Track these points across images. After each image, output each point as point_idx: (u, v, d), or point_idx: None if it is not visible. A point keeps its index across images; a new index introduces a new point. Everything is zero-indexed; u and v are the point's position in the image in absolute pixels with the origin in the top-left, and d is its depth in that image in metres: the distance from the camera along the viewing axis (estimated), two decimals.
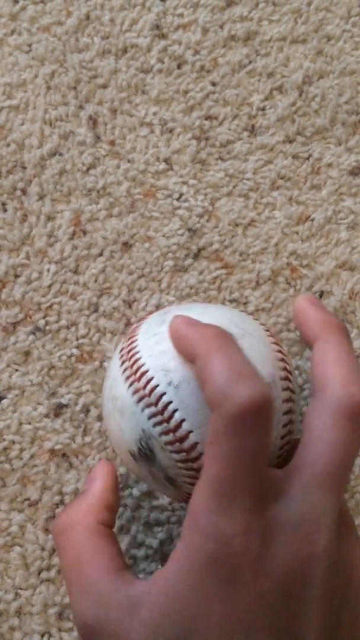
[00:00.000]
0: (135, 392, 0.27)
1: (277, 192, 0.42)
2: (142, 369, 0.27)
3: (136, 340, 0.29)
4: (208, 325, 0.26)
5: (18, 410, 0.38)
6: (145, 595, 0.25)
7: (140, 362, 0.27)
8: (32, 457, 0.37)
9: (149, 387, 0.27)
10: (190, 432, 0.26)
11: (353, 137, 0.43)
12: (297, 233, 0.42)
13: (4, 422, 0.38)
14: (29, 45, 0.43)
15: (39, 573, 0.36)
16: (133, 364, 0.28)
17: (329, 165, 0.43)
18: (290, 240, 0.41)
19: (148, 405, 0.27)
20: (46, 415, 0.38)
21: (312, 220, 0.42)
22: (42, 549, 0.36)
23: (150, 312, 0.32)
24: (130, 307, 0.40)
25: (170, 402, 0.26)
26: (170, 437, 0.26)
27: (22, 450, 0.37)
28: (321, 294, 0.41)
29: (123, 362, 0.28)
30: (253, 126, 0.43)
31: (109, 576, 0.26)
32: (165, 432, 0.26)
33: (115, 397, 0.28)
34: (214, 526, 0.23)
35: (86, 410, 0.38)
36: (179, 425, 0.26)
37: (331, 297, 0.40)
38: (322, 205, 0.42)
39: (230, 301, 0.40)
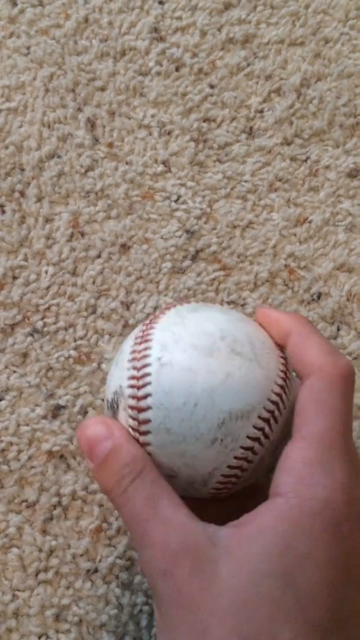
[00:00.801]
0: (132, 352, 0.29)
1: (275, 194, 0.42)
2: (149, 337, 0.29)
3: (163, 317, 0.30)
4: (294, 313, 0.33)
5: (16, 412, 0.38)
6: (234, 535, 0.25)
7: (151, 331, 0.29)
8: (29, 458, 0.37)
9: (142, 353, 0.28)
10: (150, 408, 0.27)
11: (351, 140, 0.43)
12: (295, 235, 0.42)
13: (2, 424, 0.38)
14: (28, 48, 0.43)
15: (37, 574, 0.36)
16: (147, 331, 0.29)
17: (327, 167, 0.43)
18: (288, 242, 0.41)
19: (133, 368, 0.28)
20: (44, 417, 0.38)
21: (310, 222, 0.42)
22: (40, 550, 0.36)
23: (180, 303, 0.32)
24: (128, 308, 0.40)
25: (149, 375, 0.27)
26: (133, 402, 0.28)
27: (20, 451, 0.37)
28: (319, 296, 0.41)
29: (143, 328, 0.30)
30: (251, 128, 0.43)
31: (189, 513, 0.26)
32: (132, 397, 0.28)
33: (121, 349, 0.30)
34: (327, 476, 0.25)
35: (84, 411, 0.38)
36: (145, 397, 0.27)
37: (329, 298, 0.40)
38: (320, 207, 0.42)
39: (228, 303, 0.40)
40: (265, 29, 0.45)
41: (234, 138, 0.43)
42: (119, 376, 0.29)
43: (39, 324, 0.39)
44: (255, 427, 0.27)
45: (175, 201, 0.42)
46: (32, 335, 0.39)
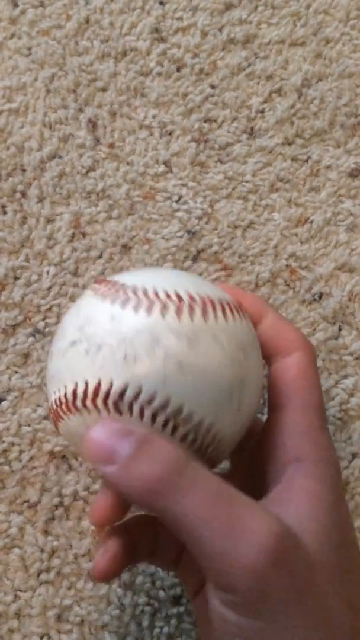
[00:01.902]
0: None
1: (276, 194, 0.42)
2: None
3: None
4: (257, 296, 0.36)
5: (17, 412, 0.38)
6: (293, 510, 0.25)
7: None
8: (31, 459, 0.37)
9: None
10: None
11: (352, 140, 0.43)
12: (296, 235, 0.42)
13: (4, 424, 0.38)
14: (29, 49, 0.43)
15: (38, 575, 0.36)
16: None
17: (328, 167, 0.43)
18: (290, 242, 0.41)
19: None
20: (45, 417, 0.38)
21: (311, 222, 0.42)
22: (42, 551, 0.36)
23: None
24: None
25: None
26: None
27: (21, 452, 0.37)
28: (320, 296, 0.41)
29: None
30: (252, 129, 0.43)
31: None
32: None
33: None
34: (329, 439, 0.28)
35: None
36: None
37: (330, 298, 0.40)
38: (321, 207, 0.42)
39: None
40: (266, 29, 0.45)
41: (235, 138, 0.43)
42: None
43: (41, 324, 0.39)
44: None
45: (177, 201, 0.42)
46: (33, 335, 0.39)
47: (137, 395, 0.25)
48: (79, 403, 0.26)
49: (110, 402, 0.25)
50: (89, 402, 0.25)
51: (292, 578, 0.22)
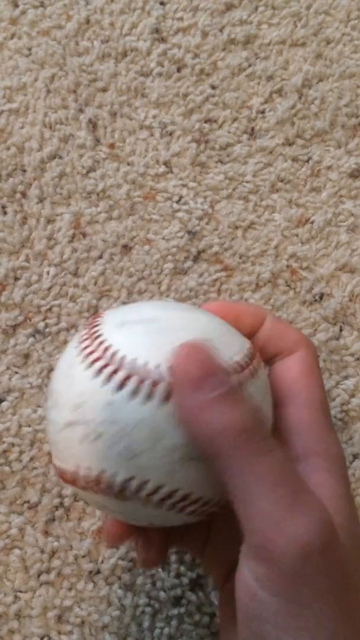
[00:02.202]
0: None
1: (277, 195, 0.42)
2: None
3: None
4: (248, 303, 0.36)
5: (18, 413, 0.38)
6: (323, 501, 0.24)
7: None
8: (31, 459, 0.37)
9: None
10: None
11: (353, 140, 0.43)
12: (297, 235, 0.42)
13: (4, 425, 0.38)
14: (29, 49, 0.43)
15: (39, 576, 0.36)
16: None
17: (329, 167, 0.43)
18: (290, 243, 0.41)
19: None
20: (45, 418, 0.38)
21: (312, 222, 0.42)
22: (42, 551, 0.36)
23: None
24: None
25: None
26: None
27: (21, 452, 0.37)
28: (321, 296, 0.41)
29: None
30: (253, 129, 0.43)
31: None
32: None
33: None
34: (334, 435, 0.28)
35: None
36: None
37: (331, 299, 0.40)
38: (321, 207, 0.42)
39: None
40: (267, 30, 0.45)
41: (235, 139, 0.43)
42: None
43: (41, 324, 0.39)
44: None
45: (177, 202, 0.42)
46: (33, 336, 0.39)
47: (142, 485, 0.24)
48: (82, 483, 0.25)
49: (115, 489, 0.24)
50: (92, 486, 0.25)
51: (335, 568, 0.22)
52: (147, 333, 0.25)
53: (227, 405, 0.22)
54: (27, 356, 0.39)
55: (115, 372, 0.24)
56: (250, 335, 0.30)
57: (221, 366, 0.24)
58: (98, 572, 0.36)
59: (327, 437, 0.27)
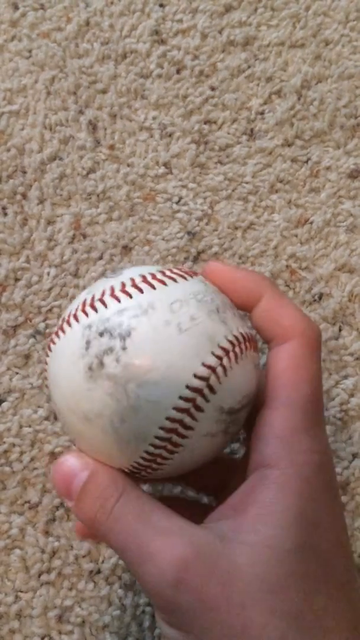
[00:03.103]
0: None
1: (276, 195, 0.42)
2: None
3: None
4: (252, 271, 0.31)
5: (18, 413, 0.38)
6: (240, 523, 0.25)
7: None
8: (32, 459, 0.37)
9: None
10: None
11: (351, 141, 0.43)
12: (296, 236, 0.42)
13: (4, 425, 0.38)
14: (29, 51, 0.43)
15: (39, 576, 0.36)
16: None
17: (328, 168, 0.43)
18: (290, 243, 0.42)
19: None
20: (46, 418, 0.38)
21: (311, 223, 0.42)
22: (43, 551, 0.36)
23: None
24: None
25: None
26: None
27: (22, 453, 0.37)
28: (320, 296, 0.41)
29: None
30: (252, 130, 0.43)
31: (184, 519, 0.25)
32: None
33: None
34: (315, 441, 0.26)
35: None
36: None
37: (330, 299, 0.41)
38: (321, 208, 0.42)
39: None
40: (266, 31, 0.45)
41: (234, 140, 0.43)
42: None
43: (41, 325, 0.39)
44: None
45: (177, 203, 0.42)
46: (34, 336, 0.39)
47: None
48: None
49: None
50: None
51: (197, 595, 0.23)
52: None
53: (81, 504, 0.26)
54: (27, 357, 0.39)
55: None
56: (245, 308, 0.28)
57: (75, 468, 0.27)
58: (99, 571, 0.36)
59: (298, 445, 0.25)
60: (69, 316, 0.27)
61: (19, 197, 0.41)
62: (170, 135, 0.43)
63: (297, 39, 0.45)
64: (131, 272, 0.27)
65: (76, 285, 0.40)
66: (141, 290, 0.25)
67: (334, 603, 0.24)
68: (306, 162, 0.43)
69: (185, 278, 0.27)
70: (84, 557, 0.36)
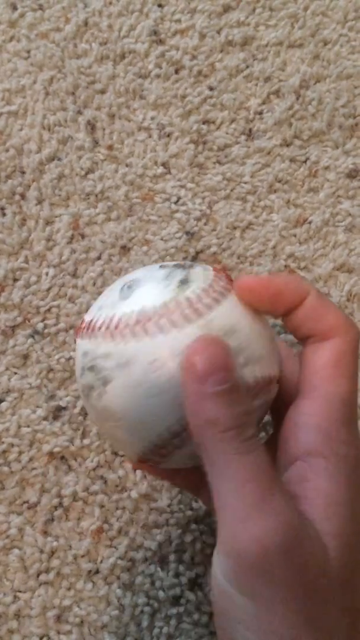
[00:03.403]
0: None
1: (275, 195, 0.42)
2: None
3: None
4: (295, 275, 0.31)
5: (17, 413, 0.38)
6: (308, 511, 0.24)
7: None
8: (30, 459, 0.37)
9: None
10: None
11: (350, 140, 0.43)
12: (294, 235, 0.42)
13: (3, 425, 0.38)
14: (28, 52, 0.44)
15: (38, 576, 0.36)
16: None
17: (326, 168, 0.43)
18: (288, 243, 0.42)
19: None
20: (45, 418, 0.38)
21: (310, 222, 0.42)
22: (41, 551, 0.36)
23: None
24: None
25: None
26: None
27: (20, 452, 0.37)
28: None
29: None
30: (250, 130, 0.43)
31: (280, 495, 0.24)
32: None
33: None
34: (354, 435, 0.26)
35: (85, 412, 0.38)
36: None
37: (329, 299, 0.40)
38: (319, 207, 0.42)
39: None
40: (264, 31, 0.45)
41: (233, 140, 0.43)
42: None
43: (40, 325, 0.39)
44: None
45: (175, 203, 0.42)
46: (32, 336, 0.39)
47: None
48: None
49: None
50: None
51: (298, 572, 0.22)
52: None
53: (223, 401, 0.23)
54: (26, 357, 0.39)
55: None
56: (288, 312, 0.28)
57: (228, 364, 0.24)
58: (97, 571, 0.36)
59: (338, 436, 0.26)
60: (85, 323, 0.27)
61: (17, 197, 0.41)
62: (168, 135, 0.43)
63: (296, 39, 0.45)
64: (146, 297, 0.26)
65: (75, 286, 0.40)
66: (134, 334, 0.25)
67: None
68: (305, 162, 0.43)
69: (210, 309, 0.26)
70: (83, 557, 0.36)
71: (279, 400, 0.28)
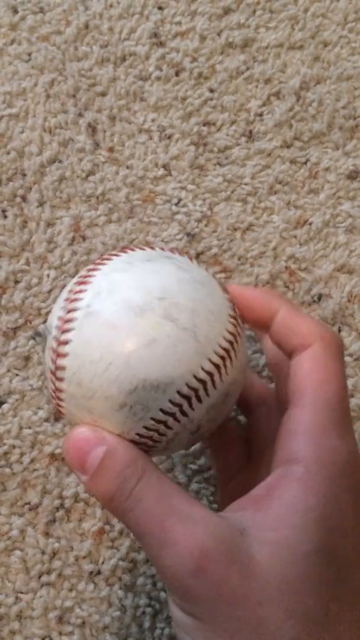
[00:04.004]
0: (69, 291, 0.27)
1: (275, 197, 0.42)
2: (89, 280, 0.27)
3: (114, 259, 0.28)
4: (265, 289, 0.31)
5: (18, 415, 0.38)
6: (260, 518, 0.24)
7: (94, 274, 0.27)
8: (32, 461, 0.38)
9: (76, 295, 0.26)
10: (67, 355, 0.26)
11: (350, 142, 0.43)
12: (295, 237, 0.42)
13: (5, 427, 0.38)
14: (29, 55, 0.44)
15: (40, 577, 0.36)
16: (91, 271, 0.27)
17: (327, 169, 0.43)
18: (289, 244, 0.42)
19: (64, 309, 0.27)
20: (46, 420, 0.38)
21: (310, 224, 0.42)
22: (43, 552, 0.36)
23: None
24: None
25: (74, 320, 0.26)
26: (55, 344, 0.26)
27: (22, 454, 0.38)
28: (319, 297, 0.41)
29: (90, 267, 0.28)
30: (251, 132, 0.43)
31: (202, 508, 0.25)
32: (55, 339, 0.26)
33: (68, 283, 0.29)
34: (342, 441, 0.25)
35: None
36: (65, 342, 0.26)
37: (330, 300, 0.41)
38: (320, 209, 0.42)
39: None
40: (265, 33, 0.45)
41: (233, 141, 0.43)
42: (53, 312, 0.27)
43: (41, 327, 0.39)
44: (171, 402, 0.25)
45: (176, 204, 0.42)
46: (34, 338, 0.39)
47: None
48: None
49: None
50: None
51: (216, 586, 0.23)
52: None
53: (97, 480, 0.25)
54: (27, 358, 0.39)
55: None
56: (259, 326, 0.29)
57: (93, 442, 0.26)
58: (99, 573, 0.36)
59: (325, 442, 0.25)
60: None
61: (18, 199, 0.41)
62: (169, 137, 0.43)
63: (296, 40, 0.45)
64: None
65: None
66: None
67: (349, 610, 0.24)
68: (305, 163, 0.43)
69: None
70: (84, 558, 0.36)
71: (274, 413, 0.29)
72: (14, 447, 0.38)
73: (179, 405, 0.25)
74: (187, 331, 0.25)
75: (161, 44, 0.44)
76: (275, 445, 0.27)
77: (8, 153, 0.42)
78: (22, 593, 0.36)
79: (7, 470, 0.37)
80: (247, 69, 0.44)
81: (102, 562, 0.36)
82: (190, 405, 0.26)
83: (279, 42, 0.45)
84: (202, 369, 0.25)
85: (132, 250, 0.28)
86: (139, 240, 0.41)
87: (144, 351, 0.25)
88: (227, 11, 0.45)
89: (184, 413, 0.26)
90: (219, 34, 0.45)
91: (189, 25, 0.45)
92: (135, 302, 0.25)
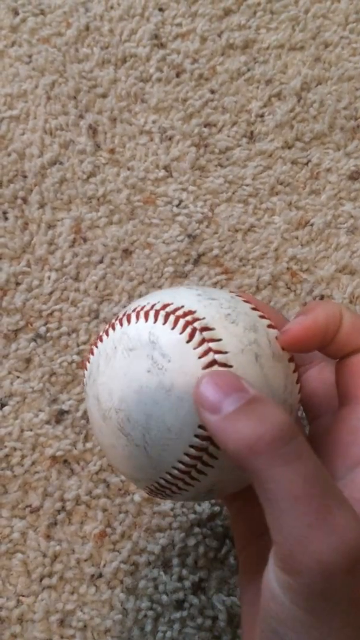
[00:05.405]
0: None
1: (277, 198, 0.42)
2: (91, 353, 0.27)
3: (104, 340, 0.26)
4: (324, 304, 0.28)
5: (19, 417, 0.38)
6: None
7: (94, 349, 0.27)
8: (33, 463, 0.37)
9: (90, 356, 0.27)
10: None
11: (352, 142, 0.43)
12: (296, 238, 0.42)
13: (6, 429, 0.38)
14: (29, 57, 0.44)
15: (41, 580, 0.36)
16: (96, 342, 0.27)
17: (328, 170, 0.43)
18: (290, 245, 0.41)
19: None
20: (47, 422, 0.38)
21: (312, 224, 0.42)
22: (44, 555, 0.36)
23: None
24: None
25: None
26: None
27: (23, 456, 0.37)
28: (321, 298, 0.41)
29: (105, 328, 0.27)
30: (252, 133, 0.43)
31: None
32: None
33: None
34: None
35: (87, 416, 0.38)
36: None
37: (331, 301, 0.40)
38: (321, 210, 0.42)
39: None
40: (265, 34, 0.45)
41: (234, 142, 0.43)
42: None
43: (42, 329, 0.39)
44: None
45: (177, 206, 0.42)
46: (35, 340, 0.39)
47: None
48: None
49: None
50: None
51: (356, 590, 0.21)
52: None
53: (245, 419, 0.22)
54: (28, 361, 0.39)
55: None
56: (329, 338, 0.27)
57: (238, 384, 0.22)
58: (100, 575, 0.36)
59: None
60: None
61: (19, 201, 0.41)
62: (170, 139, 0.43)
63: (297, 41, 0.45)
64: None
65: (77, 289, 0.40)
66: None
67: None
68: (306, 164, 0.43)
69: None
70: (86, 561, 0.36)
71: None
72: (15, 449, 0.37)
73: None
74: (139, 448, 0.24)
75: (162, 46, 0.44)
76: (341, 440, 0.26)
77: (9, 155, 0.42)
78: (23, 596, 0.36)
79: (8, 472, 0.37)
80: (248, 70, 0.44)
81: (104, 565, 0.36)
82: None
83: (280, 43, 0.45)
84: (164, 479, 0.25)
85: (135, 320, 0.25)
86: (140, 242, 0.41)
87: (110, 450, 0.26)
88: (227, 12, 0.45)
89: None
90: (219, 35, 0.45)
91: (189, 27, 0.45)
92: (102, 405, 0.25)
